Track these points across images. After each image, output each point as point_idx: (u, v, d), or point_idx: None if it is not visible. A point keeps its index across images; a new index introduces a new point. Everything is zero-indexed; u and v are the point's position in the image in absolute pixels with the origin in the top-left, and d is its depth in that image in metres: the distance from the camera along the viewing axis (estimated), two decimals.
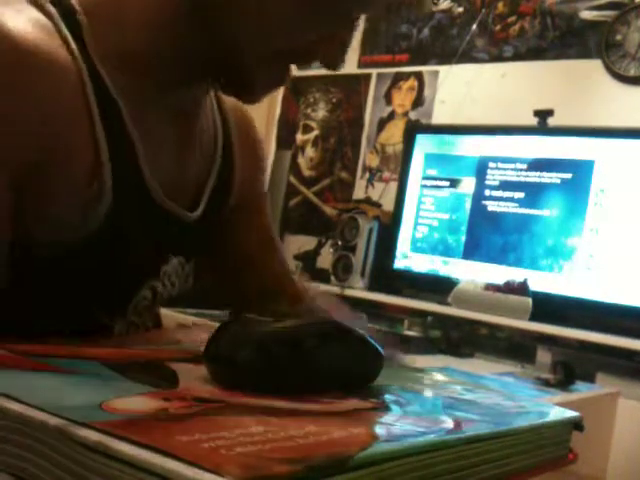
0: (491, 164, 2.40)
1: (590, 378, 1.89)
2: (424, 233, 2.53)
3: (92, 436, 0.27)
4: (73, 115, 0.55)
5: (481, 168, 2.42)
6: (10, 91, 0.51)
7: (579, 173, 2.22)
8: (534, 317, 2.07)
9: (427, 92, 2.91)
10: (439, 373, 0.56)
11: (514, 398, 0.51)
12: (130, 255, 0.62)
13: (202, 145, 0.70)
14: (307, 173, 3.20)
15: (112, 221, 0.57)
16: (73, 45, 0.55)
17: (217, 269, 0.80)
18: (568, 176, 2.24)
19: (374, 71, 3.09)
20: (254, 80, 0.60)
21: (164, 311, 0.77)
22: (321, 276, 2.63)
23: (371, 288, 2.57)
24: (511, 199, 2.35)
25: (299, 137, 3.25)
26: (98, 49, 0.57)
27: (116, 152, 0.57)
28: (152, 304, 0.69)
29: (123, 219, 0.59)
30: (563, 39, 2.56)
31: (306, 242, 2.95)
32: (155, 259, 0.67)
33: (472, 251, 2.41)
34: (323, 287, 2.34)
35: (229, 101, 0.75)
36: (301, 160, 3.22)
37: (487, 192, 2.41)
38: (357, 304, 2.07)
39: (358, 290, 2.52)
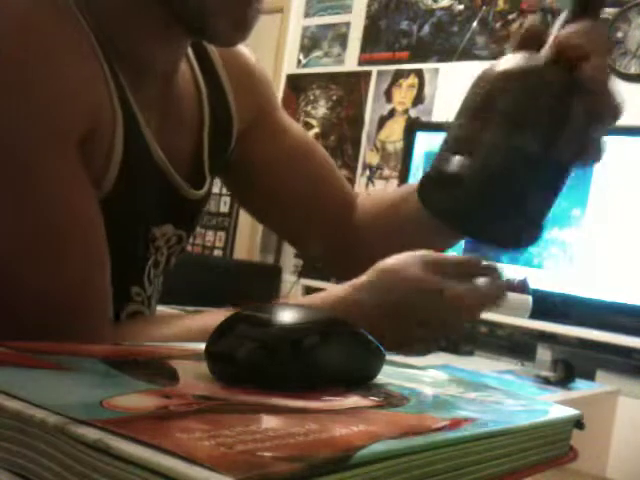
0: None
1: (590, 376, 1.89)
2: None
3: (92, 434, 0.27)
4: (102, 82, 0.58)
5: None
6: (56, 74, 0.53)
7: (579, 171, 2.22)
8: (534, 315, 2.07)
9: (427, 89, 2.91)
10: (439, 371, 0.56)
11: (514, 396, 0.51)
12: (140, 223, 0.64)
13: (183, 112, 0.70)
14: None
15: (120, 188, 0.59)
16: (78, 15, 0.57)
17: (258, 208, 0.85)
18: None
19: (374, 68, 3.08)
20: (215, 20, 0.59)
21: (160, 308, 0.77)
22: (322, 274, 2.62)
23: None
24: None
25: None
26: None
27: (124, 118, 0.59)
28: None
29: (130, 186, 0.60)
30: None
31: None
32: (156, 230, 0.67)
33: (472, 249, 2.41)
34: (323, 285, 2.34)
35: (219, 52, 0.75)
36: None
37: None
38: None
39: None
